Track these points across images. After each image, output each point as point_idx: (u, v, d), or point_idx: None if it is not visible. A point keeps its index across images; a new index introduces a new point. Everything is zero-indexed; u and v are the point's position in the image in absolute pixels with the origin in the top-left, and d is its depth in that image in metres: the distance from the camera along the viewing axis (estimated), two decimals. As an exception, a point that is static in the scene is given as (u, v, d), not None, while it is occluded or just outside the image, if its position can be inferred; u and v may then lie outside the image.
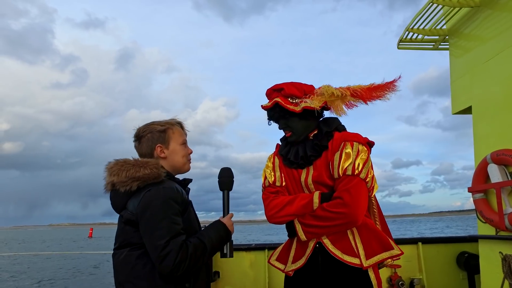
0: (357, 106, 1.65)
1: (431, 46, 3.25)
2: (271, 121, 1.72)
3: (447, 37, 3.13)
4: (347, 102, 1.65)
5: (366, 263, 1.51)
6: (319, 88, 1.66)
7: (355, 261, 1.51)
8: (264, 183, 1.76)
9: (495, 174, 2.41)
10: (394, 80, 1.68)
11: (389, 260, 1.57)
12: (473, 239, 2.87)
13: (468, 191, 2.65)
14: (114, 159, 1.54)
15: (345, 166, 1.53)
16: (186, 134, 1.70)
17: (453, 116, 3.07)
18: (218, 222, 1.56)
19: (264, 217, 1.68)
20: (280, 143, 1.82)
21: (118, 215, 1.54)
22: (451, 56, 3.11)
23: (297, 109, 1.60)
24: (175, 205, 1.43)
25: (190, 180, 1.69)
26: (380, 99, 1.66)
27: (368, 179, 1.53)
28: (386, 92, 1.66)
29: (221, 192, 1.64)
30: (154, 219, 1.38)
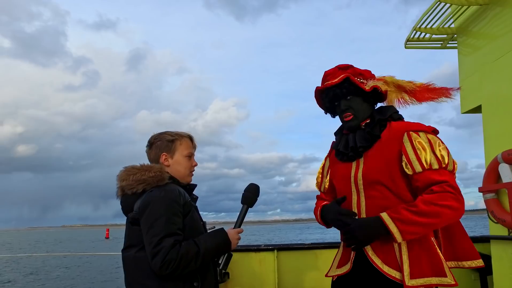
0: (408, 105, 1.55)
1: (439, 45, 3.23)
2: (328, 113, 1.63)
3: (455, 35, 3.11)
4: (400, 98, 1.55)
5: (409, 282, 1.29)
6: (383, 76, 1.57)
7: (396, 275, 1.33)
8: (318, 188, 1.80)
9: (507, 173, 2.38)
10: (453, 88, 1.57)
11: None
12: (485, 239, 2.84)
13: (479, 191, 2.62)
14: (124, 166, 1.62)
15: (428, 159, 1.35)
16: (194, 148, 1.75)
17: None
18: (221, 231, 1.58)
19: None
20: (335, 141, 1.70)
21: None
22: (460, 54, 3.08)
23: (367, 87, 1.48)
24: (175, 206, 1.48)
25: (195, 186, 1.73)
26: (434, 101, 1.55)
27: (455, 172, 1.37)
28: (441, 96, 1.55)
29: (242, 205, 1.65)
30: (152, 217, 1.44)
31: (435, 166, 1.34)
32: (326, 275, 1.60)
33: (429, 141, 1.38)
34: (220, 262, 1.55)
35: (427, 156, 1.35)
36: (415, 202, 1.33)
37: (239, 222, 1.63)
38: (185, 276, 1.44)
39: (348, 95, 1.51)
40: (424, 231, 1.34)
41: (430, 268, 1.34)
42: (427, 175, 1.35)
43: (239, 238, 1.61)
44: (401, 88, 1.53)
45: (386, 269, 1.35)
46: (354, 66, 1.57)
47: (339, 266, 1.54)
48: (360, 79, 1.51)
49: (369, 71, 1.57)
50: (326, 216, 1.55)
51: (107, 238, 48.13)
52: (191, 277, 1.47)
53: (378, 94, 1.51)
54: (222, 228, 1.59)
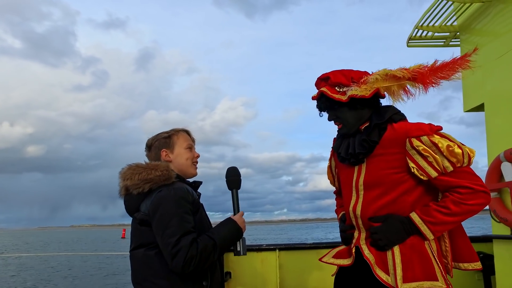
0: (416, 92, 1.41)
1: (442, 43, 3.20)
2: (322, 112, 1.56)
3: (458, 33, 3.08)
4: (405, 88, 1.42)
5: (402, 286, 1.29)
6: (371, 74, 1.47)
7: (386, 279, 1.32)
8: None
9: (509, 172, 2.36)
10: (467, 54, 1.39)
11: None
12: (487, 238, 2.81)
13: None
14: (127, 164, 1.61)
15: (441, 164, 1.33)
16: (193, 140, 1.75)
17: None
18: (228, 220, 1.58)
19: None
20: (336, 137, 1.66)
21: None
22: (462, 52, 3.04)
23: (344, 98, 1.42)
24: (186, 204, 1.48)
25: (200, 183, 1.73)
26: (446, 80, 1.40)
27: (472, 161, 1.34)
28: (454, 71, 1.39)
29: (230, 191, 1.66)
30: (165, 217, 1.43)
31: (450, 169, 1.33)
32: (320, 259, 1.62)
33: (435, 144, 1.34)
34: (238, 249, 1.56)
35: (438, 161, 1.33)
36: (446, 204, 1.34)
37: (237, 207, 1.64)
38: (195, 275, 1.45)
39: (332, 106, 1.49)
40: (453, 226, 1.39)
41: (422, 272, 1.33)
42: (444, 179, 1.35)
43: (244, 221, 1.62)
44: (394, 78, 1.41)
45: (377, 270, 1.35)
46: (344, 70, 1.50)
47: (336, 257, 1.56)
48: (342, 86, 1.46)
49: (351, 75, 1.47)
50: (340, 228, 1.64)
51: (123, 238, 48.46)
52: (201, 276, 1.48)
53: (371, 97, 1.43)
54: (229, 217, 1.61)
